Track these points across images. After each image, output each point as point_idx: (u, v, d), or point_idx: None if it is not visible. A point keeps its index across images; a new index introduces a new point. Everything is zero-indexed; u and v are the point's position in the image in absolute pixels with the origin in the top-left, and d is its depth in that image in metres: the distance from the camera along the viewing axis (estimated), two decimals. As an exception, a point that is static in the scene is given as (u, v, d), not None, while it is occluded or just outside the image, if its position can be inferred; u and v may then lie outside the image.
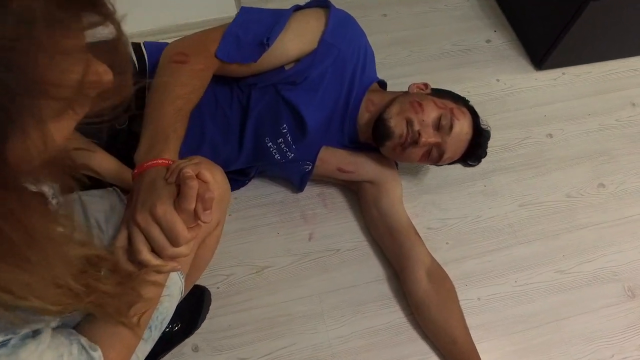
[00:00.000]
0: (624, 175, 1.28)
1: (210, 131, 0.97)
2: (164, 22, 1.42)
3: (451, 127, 0.94)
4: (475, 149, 1.01)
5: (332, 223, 1.16)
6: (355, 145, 1.07)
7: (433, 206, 1.20)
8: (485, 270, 1.12)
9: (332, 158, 1.06)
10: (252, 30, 0.85)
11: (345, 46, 0.92)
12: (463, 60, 1.47)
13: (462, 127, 0.96)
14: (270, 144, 0.98)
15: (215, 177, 0.75)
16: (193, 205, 0.57)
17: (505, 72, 1.46)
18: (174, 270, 0.61)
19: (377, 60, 1.34)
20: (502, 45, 1.52)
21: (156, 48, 0.95)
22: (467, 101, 1.04)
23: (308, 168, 1.06)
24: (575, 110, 1.39)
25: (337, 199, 1.20)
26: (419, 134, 0.93)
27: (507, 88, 1.42)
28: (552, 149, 1.31)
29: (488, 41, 1.52)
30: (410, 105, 0.95)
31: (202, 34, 0.86)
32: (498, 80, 1.44)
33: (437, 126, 0.94)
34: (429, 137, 0.94)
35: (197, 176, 0.58)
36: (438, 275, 1.02)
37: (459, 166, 1.24)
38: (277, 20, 0.86)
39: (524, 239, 1.17)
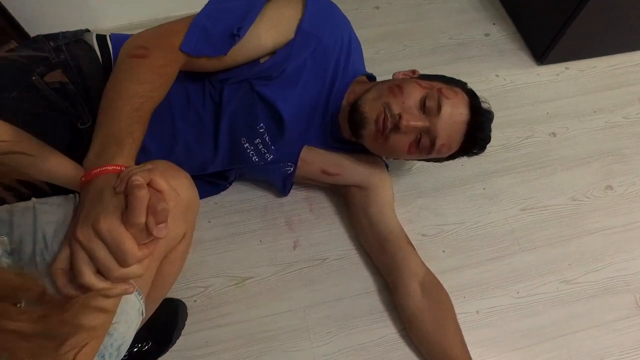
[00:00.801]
0: (634, 176, 1.19)
1: (182, 131, 0.89)
2: (149, 14, 1.34)
3: (439, 108, 0.81)
4: (475, 132, 0.85)
5: (319, 230, 1.08)
6: (341, 145, 0.98)
7: (428, 211, 1.11)
8: (484, 281, 1.03)
9: (315, 159, 0.97)
10: (221, 21, 0.76)
11: (326, 36, 0.83)
12: (460, 54, 1.39)
13: (455, 106, 0.83)
14: (247, 145, 0.89)
15: (177, 184, 0.66)
16: (142, 219, 0.48)
17: (505, 67, 1.37)
18: (124, 293, 0.53)
19: (368, 55, 1.26)
20: (502, 38, 1.44)
21: (124, 41, 0.87)
22: (464, 83, 0.93)
23: (290, 170, 0.98)
24: (580, 107, 1.31)
25: (324, 203, 1.11)
26: (400, 116, 0.81)
27: (507, 84, 1.34)
28: (556, 148, 1.23)
29: (487, 34, 1.44)
30: (388, 90, 0.84)
31: (166, 25, 0.77)
32: (497, 75, 1.35)
33: (423, 108, 0.82)
34: (412, 119, 0.81)
35: (149, 184, 0.50)
36: (433, 287, 0.93)
37: (455, 167, 1.17)
38: (250, 9, 0.77)
39: (526, 246, 1.08)
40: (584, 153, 1.22)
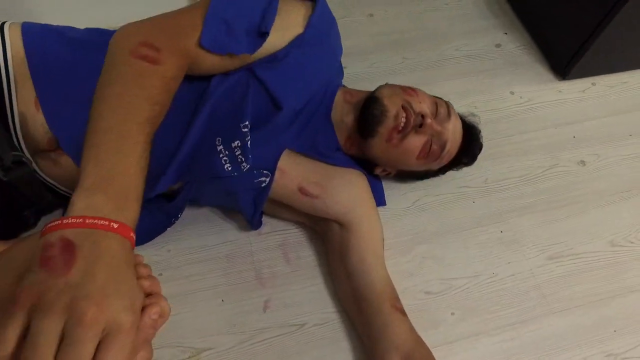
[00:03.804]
0: (685, 216, 0.98)
1: None
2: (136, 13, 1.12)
3: (449, 114, 0.83)
4: (471, 143, 0.90)
5: (297, 287, 0.86)
6: (327, 151, 0.85)
7: (433, 261, 0.90)
8: (506, 354, 0.81)
9: (294, 170, 0.80)
10: (244, 13, 0.65)
11: (334, 33, 0.80)
12: (468, 68, 1.19)
13: (456, 116, 0.86)
14: (221, 147, 0.70)
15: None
16: None
17: (521, 82, 1.18)
18: None
19: (361, 69, 1.12)
20: (515, 50, 1.24)
21: (45, 31, 0.69)
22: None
23: (265, 182, 0.77)
24: (612, 129, 1.11)
25: (303, 252, 0.90)
26: (423, 116, 0.79)
27: (524, 102, 1.14)
28: (586, 180, 1.02)
29: (498, 45, 1.25)
30: (402, 90, 0.83)
31: (172, 18, 0.61)
32: (512, 93, 1.16)
33: (435, 114, 0.82)
34: (432, 121, 0.81)
35: None
36: None
37: (465, 205, 0.97)
38: (268, 2, 0.67)
39: (557, 306, 0.86)
40: (621, 186, 1.01)
